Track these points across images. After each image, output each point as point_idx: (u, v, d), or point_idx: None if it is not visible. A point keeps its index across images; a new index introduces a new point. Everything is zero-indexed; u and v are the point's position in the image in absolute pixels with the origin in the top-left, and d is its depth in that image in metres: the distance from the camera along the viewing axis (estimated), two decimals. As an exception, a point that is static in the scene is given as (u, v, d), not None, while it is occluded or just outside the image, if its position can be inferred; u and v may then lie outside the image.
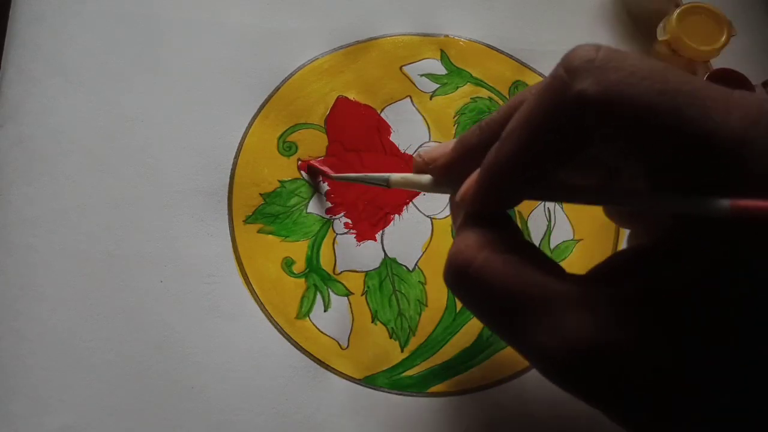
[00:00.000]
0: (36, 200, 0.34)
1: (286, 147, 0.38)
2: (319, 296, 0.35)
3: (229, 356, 0.33)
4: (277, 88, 0.39)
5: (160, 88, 0.38)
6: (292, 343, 0.33)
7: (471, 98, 0.40)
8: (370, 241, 0.36)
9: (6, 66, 0.37)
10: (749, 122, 0.16)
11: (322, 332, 0.34)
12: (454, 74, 0.41)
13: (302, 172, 0.37)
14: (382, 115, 0.39)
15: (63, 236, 0.34)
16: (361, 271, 0.35)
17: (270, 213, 0.36)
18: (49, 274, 0.33)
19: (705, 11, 0.40)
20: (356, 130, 0.38)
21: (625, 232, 0.38)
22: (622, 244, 0.38)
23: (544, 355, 0.19)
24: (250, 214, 0.36)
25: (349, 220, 0.36)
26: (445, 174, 0.24)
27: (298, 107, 0.38)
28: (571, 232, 0.38)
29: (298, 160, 0.37)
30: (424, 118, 0.39)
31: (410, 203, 0.37)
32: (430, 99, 0.40)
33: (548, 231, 0.38)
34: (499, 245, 0.20)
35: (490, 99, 0.40)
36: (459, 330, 0.35)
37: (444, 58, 0.41)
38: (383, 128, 0.39)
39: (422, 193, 0.37)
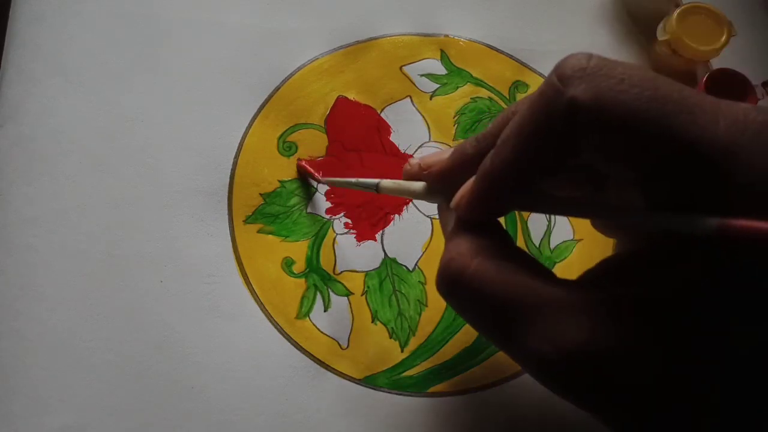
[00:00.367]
0: (36, 200, 0.34)
1: (286, 147, 0.38)
2: (319, 296, 0.35)
3: (229, 356, 0.33)
4: (277, 88, 0.39)
5: (160, 88, 0.38)
6: (292, 343, 0.33)
7: (471, 98, 0.40)
8: (370, 241, 0.36)
9: (6, 66, 0.37)
10: (736, 131, 0.17)
11: (322, 332, 0.34)
12: (454, 74, 0.41)
13: (300, 173, 0.37)
14: (382, 115, 0.39)
15: (63, 236, 0.34)
16: (361, 271, 0.35)
17: (270, 213, 0.36)
18: (49, 274, 0.33)
19: (705, 11, 0.40)
20: (356, 130, 0.38)
21: (625, 232, 0.38)
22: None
23: (536, 361, 0.19)
24: (250, 214, 0.36)
25: (349, 220, 0.36)
26: (439, 182, 0.25)
27: (298, 107, 0.38)
28: (571, 232, 0.38)
29: (298, 160, 0.37)
30: (424, 118, 0.39)
31: (410, 203, 0.37)
32: (430, 99, 0.40)
33: (548, 231, 0.38)
34: (491, 252, 0.21)
35: (490, 99, 0.40)
36: (459, 330, 0.35)
37: (444, 58, 0.41)
38: (383, 128, 0.39)
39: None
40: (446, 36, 0.42)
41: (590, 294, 0.19)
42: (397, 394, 0.33)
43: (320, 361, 0.33)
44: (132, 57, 0.38)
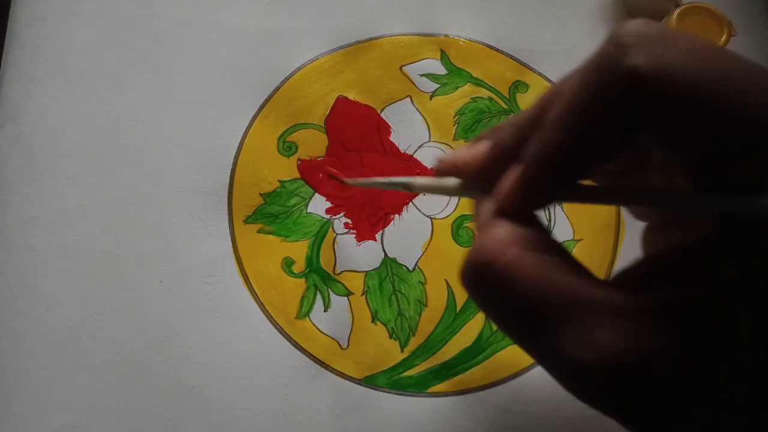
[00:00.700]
0: (36, 200, 0.34)
1: (286, 147, 0.38)
2: (319, 296, 0.35)
3: (229, 356, 0.33)
4: (277, 88, 0.39)
5: (160, 88, 0.38)
6: (292, 343, 0.33)
7: (471, 98, 0.40)
8: (370, 241, 0.36)
9: (6, 66, 0.37)
10: None
11: (322, 332, 0.34)
12: (454, 74, 0.41)
13: (304, 175, 0.37)
14: (382, 115, 0.39)
15: (63, 236, 0.34)
16: (361, 271, 0.35)
17: (270, 213, 0.36)
18: (49, 274, 0.33)
19: (705, 11, 0.40)
20: (356, 130, 0.38)
21: (625, 233, 0.38)
22: (623, 245, 0.38)
23: (573, 368, 0.17)
24: (250, 214, 0.36)
25: (349, 220, 0.36)
26: (478, 178, 0.22)
27: (298, 107, 0.38)
28: (571, 232, 0.38)
29: (298, 160, 0.37)
30: (424, 118, 0.39)
31: (410, 203, 0.37)
32: (430, 99, 0.40)
33: (548, 231, 0.38)
34: (530, 243, 0.18)
35: (490, 99, 0.40)
36: (459, 330, 0.35)
37: (444, 58, 0.41)
38: (383, 128, 0.39)
39: (422, 193, 0.37)
40: (446, 36, 0.42)
41: (636, 297, 0.17)
42: (397, 394, 0.33)
43: (320, 361, 0.33)
44: (132, 57, 0.38)
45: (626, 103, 0.16)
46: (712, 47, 0.16)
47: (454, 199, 0.38)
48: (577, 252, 0.37)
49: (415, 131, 0.39)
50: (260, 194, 0.36)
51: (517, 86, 0.41)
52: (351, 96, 0.39)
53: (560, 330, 0.17)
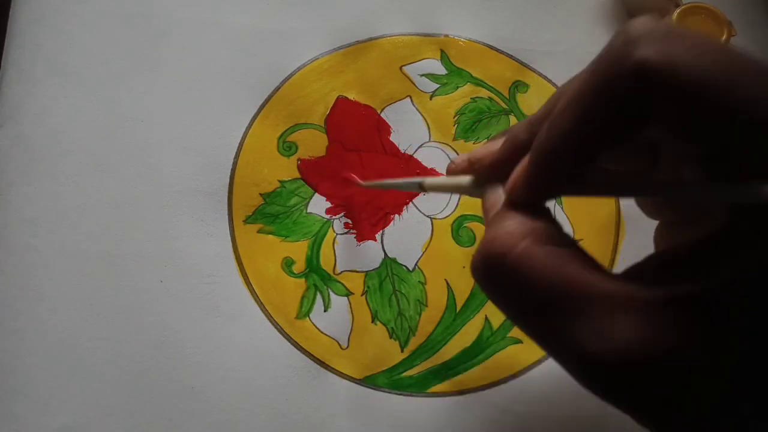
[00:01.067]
0: (36, 200, 0.34)
1: (286, 147, 0.38)
2: (319, 296, 0.35)
3: (229, 356, 0.33)
4: (277, 88, 0.39)
5: (160, 88, 0.38)
6: (292, 343, 0.33)
7: (471, 98, 0.40)
8: (370, 241, 0.36)
9: (6, 66, 0.37)
10: None
11: (322, 332, 0.34)
12: (454, 74, 0.41)
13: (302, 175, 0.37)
14: (382, 115, 0.39)
15: (63, 236, 0.34)
16: (361, 271, 0.35)
17: (270, 213, 0.36)
18: (49, 274, 0.33)
19: (705, 11, 0.40)
20: (356, 130, 0.38)
21: (625, 233, 0.38)
22: (622, 245, 0.38)
23: (586, 361, 0.17)
24: (250, 214, 0.36)
25: (349, 220, 0.36)
26: (492, 174, 0.22)
27: (298, 107, 0.38)
28: (571, 232, 0.38)
29: (298, 160, 0.37)
30: (424, 118, 0.39)
31: (410, 203, 0.37)
32: (430, 99, 0.40)
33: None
34: (543, 236, 0.19)
35: (490, 99, 0.40)
36: (459, 330, 0.35)
37: (444, 58, 0.41)
38: (383, 128, 0.39)
39: (422, 193, 0.37)
40: (446, 36, 0.42)
41: (648, 290, 0.17)
42: (397, 394, 0.33)
43: (320, 361, 0.33)
44: (132, 57, 0.38)
45: (635, 94, 0.16)
46: (719, 43, 0.16)
47: (454, 199, 0.38)
48: (577, 252, 0.37)
49: (415, 131, 0.39)
50: (260, 194, 0.36)
51: (517, 86, 0.41)
52: (351, 96, 0.39)
53: (574, 323, 0.17)
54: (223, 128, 0.37)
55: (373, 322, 0.35)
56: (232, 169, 0.36)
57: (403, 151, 0.39)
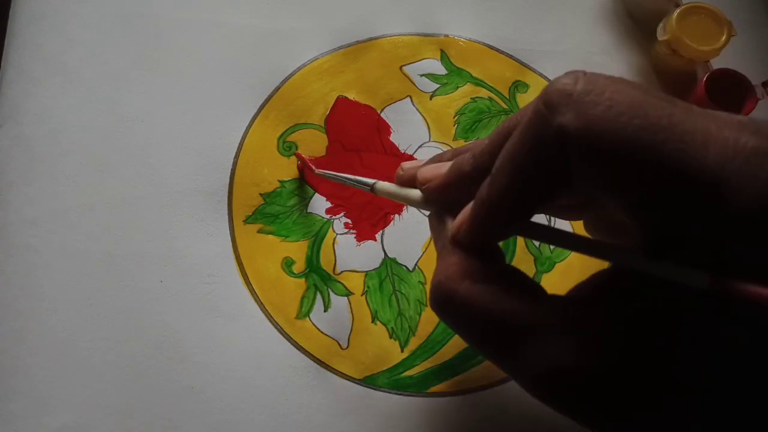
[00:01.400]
0: (36, 200, 0.34)
1: (286, 147, 0.38)
2: (319, 296, 0.35)
3: (229, 356, 0.33)
4: (277, 88, 0.39)
5: (160, 88, 0.38)
6: (292, 343, 0.33)
7: (471, 98, 0.40)
8: (370, 241, 0.36)
9: (6, 66, 0.37)
10: (726, 158, 0.17)
11: (322, 332, 0.34)
12: (454, 74, 0.41)
13: (299, 168, 0.37)
14: (382, 115, 0.39)
15: (63, 236, 0.34)
16: (361, 271, 0.35)
17: (270, 213, 0.36)
18: (49, 274, 0.33)
19: (705, 11, 0.40)
20: (356, 130, 0.38)
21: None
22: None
23: (529, 378, 0.20)
24: (250, 214, 0.36)
25: (349, 220, 0.36)
26: (437, 197, 0.25)
27: (298, 107, 0.38)
28: (571, 230, 0.38)
29: (298, 159, 0.37)
30: (424, 118, 0.39)
31: (410, 203, 0.37)
32: (430, 99, 0.40)
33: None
34: (479, 274, 0.21)
35: (490, 99, 0.40)
36: (459, 330, 0.35)
37: (444, 58, 0.41)
38: (383, 128, 0.39)
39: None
40: (446, 36, 0.42)
41: (578, 313, 0.19)
42: (397, 394, 0.33)
43: (320, 361, 0.33)
44: (132, 57, 0.38)
45: (557, 157, 0.18)
46: (636, 98, 0.18)
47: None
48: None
49: (415, 131, 0.39)
50: (260, 194, 0.36)
51: (517, 86, 0.41)
52: (351, 96, 0.39)
53: (514, 349, 0.20)
54: (223, 128, 0.37)
55: (373, 322, 0.35)
56: (232, 169, 0.36)
57: (403, 151, 0.39)
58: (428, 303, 0.35)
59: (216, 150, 0.37)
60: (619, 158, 0.17)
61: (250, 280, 0.34)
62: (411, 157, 0.38)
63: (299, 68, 0.39)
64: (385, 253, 0.36)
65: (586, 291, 0.21)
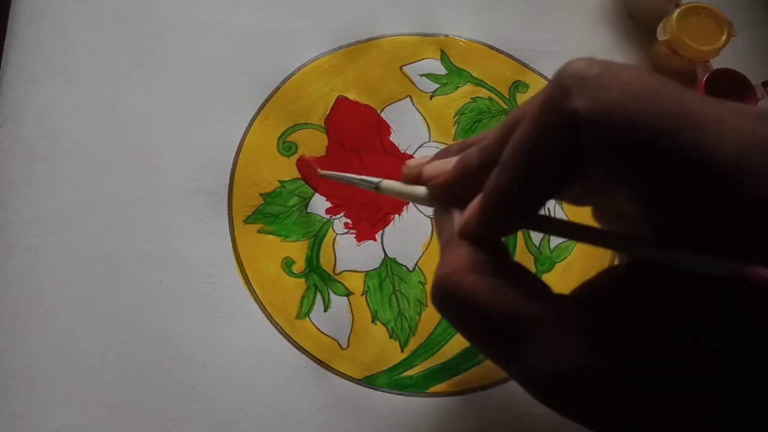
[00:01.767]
0: (36, 200, 0.34)
1: (286, 147, 0.38)
2: (319, 296, 0.35)
3: (229, 356, 0.33)
4: (277, 88, 0.39)
5: (160, 88, 0.38)
6: (292, 343, 0.33)
7: (471, 98, 0.40)
8: (370, 241, 0.36)
9: (6, 66, 0.37)
10: (743, 148, 0.16)
11: (322, 332, 0.34)
12: (454, 74, 0.41)
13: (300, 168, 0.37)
14: (382, 115, 0.39)
15: (63, 236, 0.34)
16: (361, 271, 0.35)
17: (270, 213, 0.36)
18: (49, 274, 0.33)
19: (705, 11, 0.40)
20: (356, 130, 0.38)
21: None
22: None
23: (532, 379, 0.19)
24: (250, 214, 0.36)
25: (349, 220, 0.36)
26: (444, 192, 0.24)
27: (298, 107, 0.38)
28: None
29: (300, 158, 0.37)
30: (424, 118, 0.39)
31: (410, 203, 0.37)
32: (430, 99, 0.40)
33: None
34: (486, 268, 0.20)
35: (490, 99, 0.40)
36: (459, 330, 0.35)
37: (444, 58, 0.41)
38: (383, 128, 0.39)
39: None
40: (446, 36, 0.42)
41: (587, 310, 0.19)
42: (397, 394, 0.33)
43: (320, 361, 0.33)
44: (132, 57, 0.38)
45: (570, 144, 0.18)
46: (650, 84, 0.17)
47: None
48: (577, 252, 0.37)
49: (415, 131, 0.39)
50: (260, 194, 0.36)
51: (517, 86, 0.41)
52: (351, 96, 0.39)
53: (518, 347, 0.19)
54: (223, 128, 0.37)
55: (373, 322, 0.35)
56: (232, 169, 0.37)
57: (403, 151, 0.39)
58: (428, 301, 0.35)
59: (216, 150, 0.37)
60: (633, 144, 0.17)
61: (250, 280, 0.34)
62: (411, 157, 0.38)
63: (299, 68, 0.39)
64: (385, 253, 0.36)
65: (592, 290, 0.21)
